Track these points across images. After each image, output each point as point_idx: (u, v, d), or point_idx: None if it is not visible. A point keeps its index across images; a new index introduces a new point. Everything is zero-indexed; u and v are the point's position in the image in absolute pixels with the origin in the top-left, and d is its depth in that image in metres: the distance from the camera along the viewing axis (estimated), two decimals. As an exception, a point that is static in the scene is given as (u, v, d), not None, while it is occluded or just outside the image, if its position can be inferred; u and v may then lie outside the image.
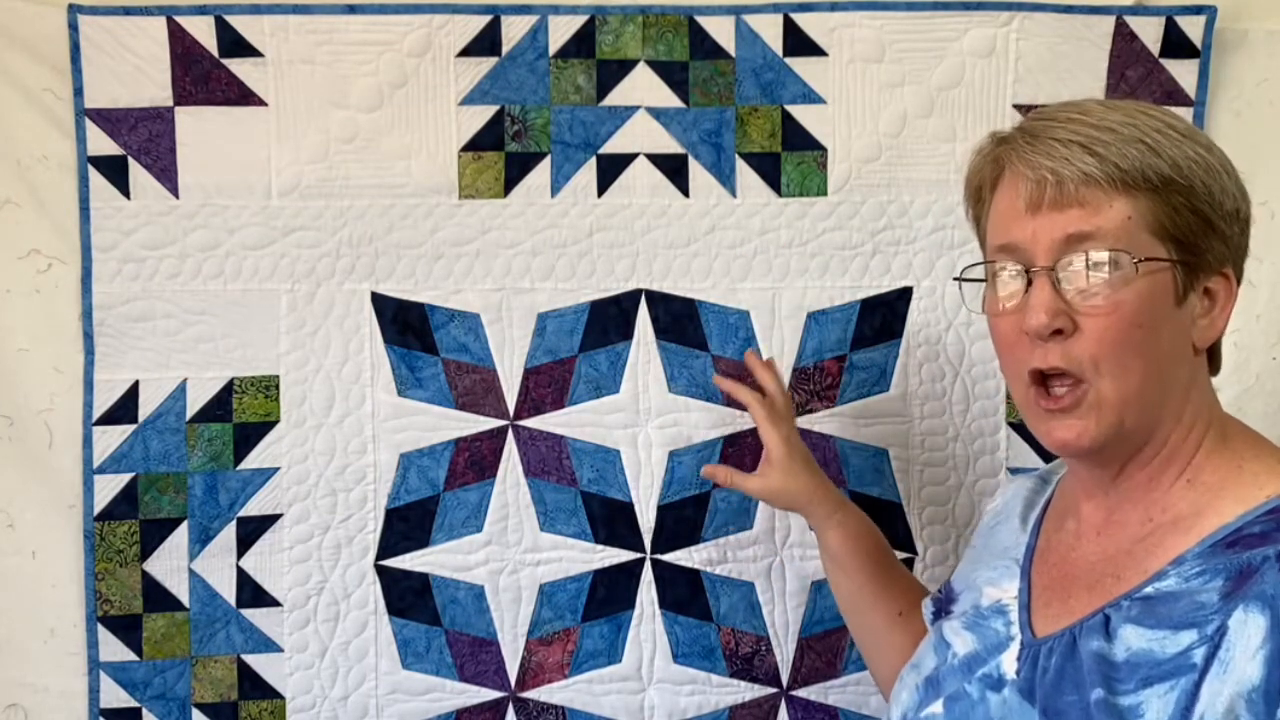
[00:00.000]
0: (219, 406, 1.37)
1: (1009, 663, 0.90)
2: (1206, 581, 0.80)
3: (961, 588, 1.04)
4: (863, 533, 1.21)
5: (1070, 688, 0.83)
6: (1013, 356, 0.89)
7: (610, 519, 1.40)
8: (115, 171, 1.34)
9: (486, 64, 1.37)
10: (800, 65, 1.38)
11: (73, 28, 1.32)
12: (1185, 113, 1.39)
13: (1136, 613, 0.82)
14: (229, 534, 1.38)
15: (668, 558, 1.41)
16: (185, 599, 1.37)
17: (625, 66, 1.38)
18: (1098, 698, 0.80)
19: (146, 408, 1.36)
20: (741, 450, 1.41)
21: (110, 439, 1.36)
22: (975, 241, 0.99)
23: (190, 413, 1.37)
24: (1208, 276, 0.86)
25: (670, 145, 1.39)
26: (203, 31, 1.34)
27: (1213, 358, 0.91)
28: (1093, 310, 0.84)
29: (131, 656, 1.37)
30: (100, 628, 1.36)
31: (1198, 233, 0.84)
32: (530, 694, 1.41)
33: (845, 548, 1.20)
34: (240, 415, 1.37)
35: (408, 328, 1.39)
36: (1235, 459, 0.86)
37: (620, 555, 1.41)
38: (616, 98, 1.38)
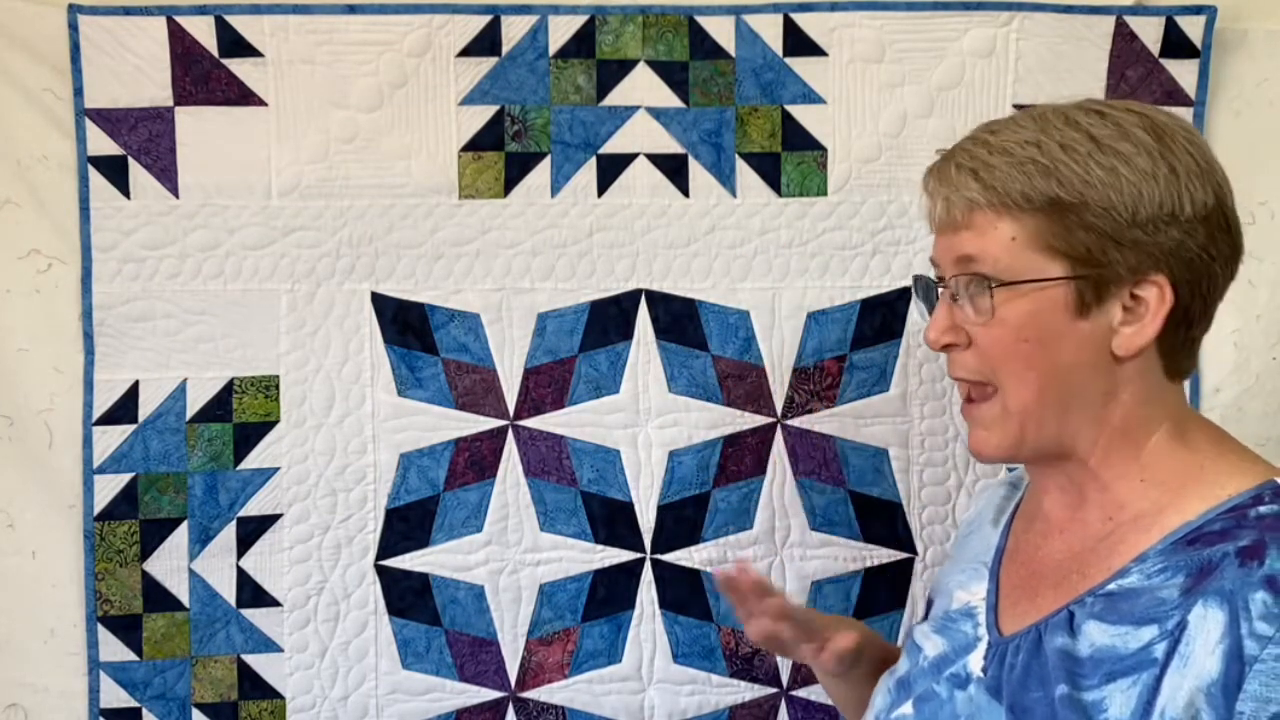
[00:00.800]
0: (219, 406, 1.37)
1: (975, 661, 0.91)
2: (1168, 578, 0.81)
3: (935, 595, 1.05)
4: (875, 637, 1.12)
5: (1036, 684, 0.84)
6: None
7: (610, 519, 1.40)
8: (115, 171, 1.34)
9: (486, 64, 1.37)
10: (800, 65, 1.38)
11: (73, 28, 1.32)
12: (1185, 113, 1.39)
13: (1100, 609, 0.83)
14: (229, 534, 1.38)
15: (668, 558, 1.41)
16: (185, 599, 1.37)
17: (625, 66, 1.38)
18: (1062, 693, 0.81)
19: (146, 408, 1.36)
20: (742, 450, 1.41)
21: (110, 439, 1.36)
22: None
23: (190, 413, 1.37)
24: (1124, 286, 0.84)
25: (670, 145, 1.39)
26: (203, 31, 1.34)
27: (1176, 361, 0.88)
28: (977, 326, 0.88)
29: (131, 656, 1.37)
30: (100, 628, 1.36)
31: (1094, 247, 0.83)
32: (530, 694, 1.41)
33: (875, 648, 1.11)
34: (240, 415, 1.37)
35: (408, 328, 1.39)
36: (1196, 458, 0.87)
37: (620, 555, 1.41)
38: (616, 98, 1.38)
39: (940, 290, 0.91)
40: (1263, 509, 0.81)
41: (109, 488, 1.36)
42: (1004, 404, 0.88)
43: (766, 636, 1.05)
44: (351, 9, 1.35)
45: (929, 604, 1.06)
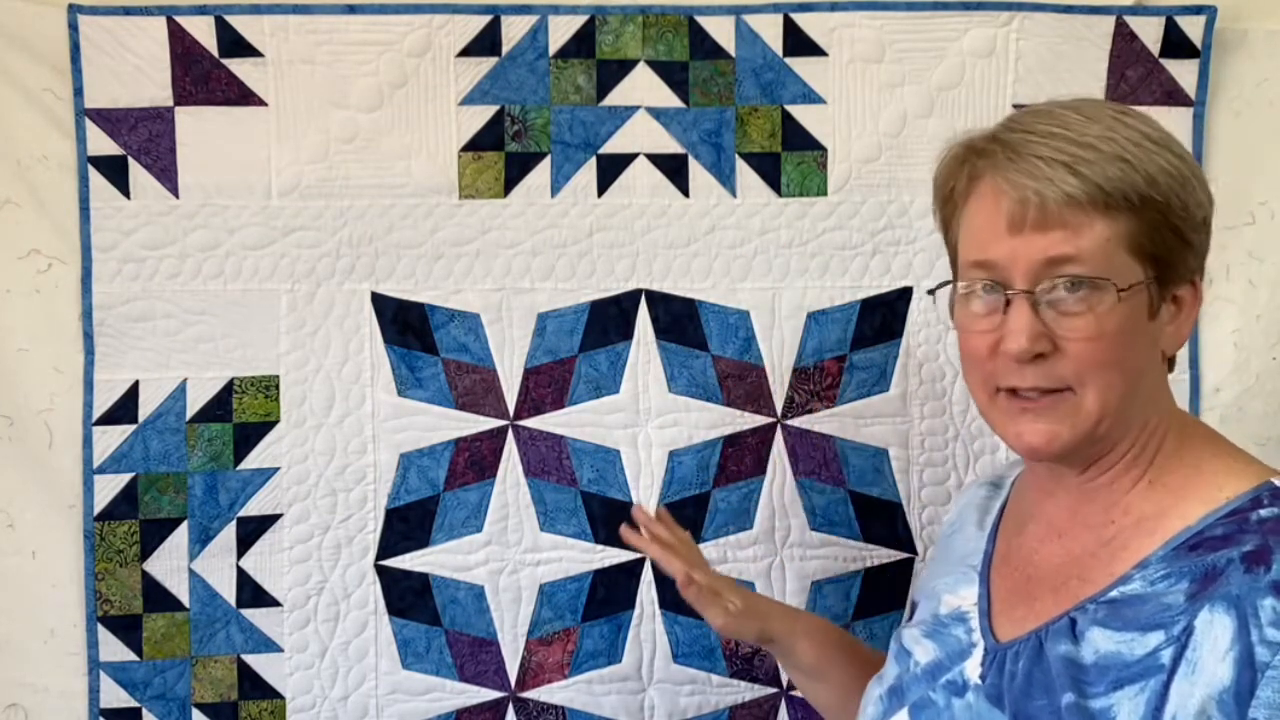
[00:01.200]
0: (219, 406, 1.37)
1: (973, 668, 0.90)
2: (1172, 585, 0.80)
3: (920, 598, 1.04)
4: (829, 635, 1.17)
5: (1040, 692, 0.83)
6: (983, 370, 0.88)
7: (610, 519, 1.40)
8: (115, 171, 1.34)
9: (486, 64, 1.37)
10: (800, 65, 1.38)
11: (73, 28, 1.32)
12: (1185, 113, 1.39)
13: (1103, 616, 0.83)
14: (229, 534, 1.38)
15: (668, 558, 1.41)
16: (185, 599, 1.37)
17: (625, 66, 1.38)
18: (1069, 701, 0.81)
19: (146, 408, 1.36)
20: (742, 450, 1.41)
21: (110, 439, 1.36)
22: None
23: (190, 413, 1.37)
24: (1177, 286, 0.86)
25: (670, 145, 1.39)
26: (203, 31, 1.34)
27: (1171, 359, 0.91)
28: (1075, 334, 0.83)
29: (131, 656, 1.37)
30: (100, 628, 1.36)
31: (1172, 248, 0.84)
32: (530, 694, 1.41)
33: (820, 655, 1.14)
34: (240, 415, 1.37)
35: (408, 328, 1.39)
36: (1194, 459, 0.87)
37: (620, 555, 1.41)
38: (616, 98, 1.38)
39: (1015, 295, 0.84)
40: (1263, 512, 0.80)
41: (109, 488, 1.36)
42: (1082, 405, 0.84)
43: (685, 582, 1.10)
44: (351, 9, 1.35)
45: (913, 606, 1.06)
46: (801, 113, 1.39)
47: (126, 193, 1.35)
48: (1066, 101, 0.88)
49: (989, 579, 0.96)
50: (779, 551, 1.41)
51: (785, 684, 1.42)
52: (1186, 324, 0.87)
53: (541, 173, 1.38)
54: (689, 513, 1.40)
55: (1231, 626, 0.75)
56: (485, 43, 1.36)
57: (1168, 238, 0.83)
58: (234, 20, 1.34)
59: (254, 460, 1.38)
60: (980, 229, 0.87)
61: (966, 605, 0.95)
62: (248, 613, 1.38)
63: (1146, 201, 0.82)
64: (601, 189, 1.39)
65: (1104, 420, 0.84)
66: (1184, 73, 1.39)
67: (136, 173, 1.35)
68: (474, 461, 1.40)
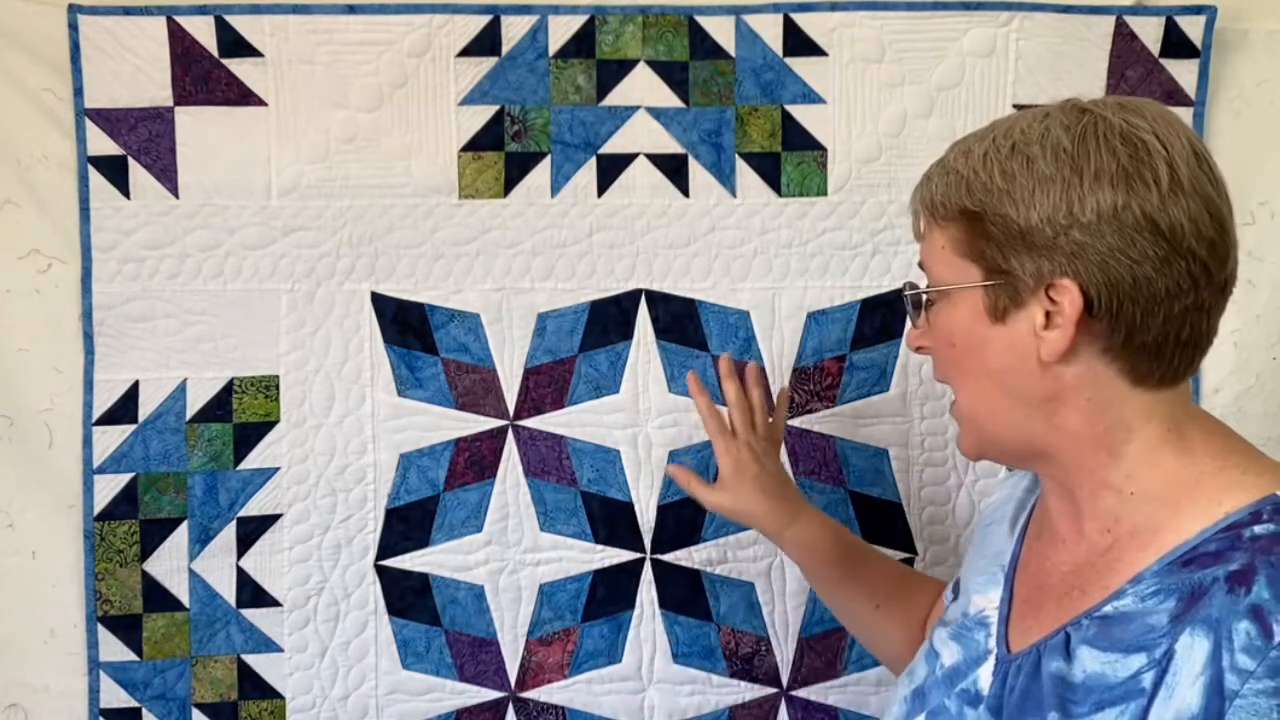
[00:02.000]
0: (219, 406, 1.37)
1: (985, 678, 0.90)
2: (1160, 601, 0.79)
3: (963, 587, 1.04)
4: (819, 542, 1.20)
5: (1033, 708, 0.83)
6: None
7: (610, 519, 1.40)
8: (115, 171, 1.34)
9: (486, 64, 1.37)
10: (800, 65, 1.38)
11: (73, 28, 1.32)
12: (1185, 113, 1.39)
13: (1093, 633, 0.82)
14: (229, 534, 1.38)
15: (668, 558, 1.41)
16: (185, 599, 1.37)
17: (625, 66, 1.38)
18: None
19: (146, 408, 1.36)
20: (741, 450, 1.41)
21: (110, 439, 1.36)
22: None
23: (190, 413, 1.37)
24: (1035, 291, 0.82)
25: (670, 145, 1.39)
26: (203, 31, 1.34)
27: (1136, 366, 0.83)
28: (929, 332, 0.93)
29: (131, 656, 1.37)
30: (100, 628, 1.36)
31: (997, 255, 0.84)
32: (530, 694, 1.41)
33: (804, 559, 1.21)
34: (240, 415, 1.37)
35: (408, 328, 1.39)
36: (1193, 470, 0.83)
37: (620, 555, 1.41)
38: (616, 98, 1.38)
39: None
40: (1258, 529, 0.78)
41: (109, 488, 1.36)
42: (960, 410, 0.91)
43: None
44: (351, 9, 1.35)
45: (956, 587, 1.06)
46: (801, 113, 1.39)
47: (126, 193, 1.35)
48: (1033, 108, 0.90)
49: (1012, 583, 0.95)
50: (779, 551, 1.41)
51: (785, 684, 1.42)
52: (1066, 328, 0.81)
53: (541, 173, 1.38)
54: (689, 513, 1.41)
55: (1207, 650, 0.74)
56: (485, 43, 1.36)
57: (987, 245, 0.84)
58: (234, 20, 1.34)
59: (254, 460, 1.38)
60: None
61: (990, 609, 0.95)
62: (248, 613, 1.38)
63: (962, 210, 0.86)
64: (601, 189, 1.39)
65: (976, 421, 0.90)
66: (1184, 73, 1.39)
67: (136, 173, 1.35)
68: (474, 461, 1.40)
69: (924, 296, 0.93)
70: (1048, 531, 0.94)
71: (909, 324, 0.97)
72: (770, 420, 1.27)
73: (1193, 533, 0.80)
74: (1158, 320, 0.81)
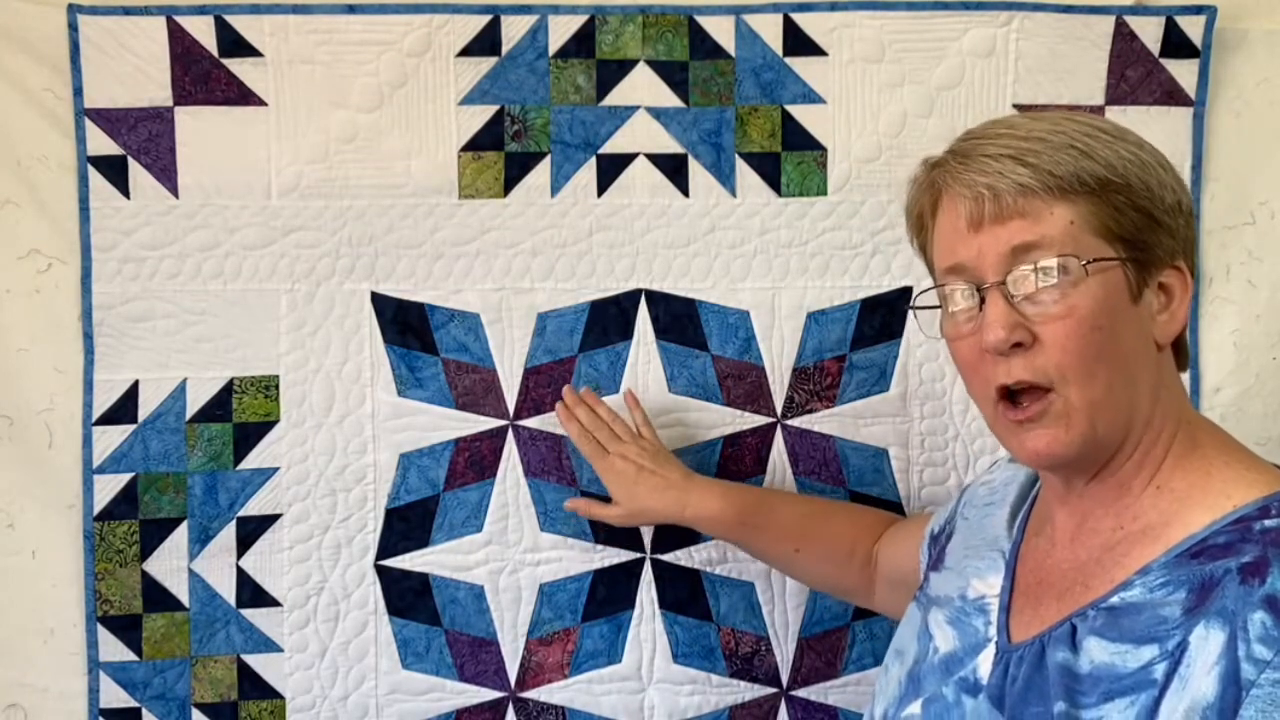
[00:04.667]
0: (219, 406, 1.37)
1: (985, 667, 0.90)
2: (1170, 593, 0.79)
3: (954, 561, 1.03)
4: (715, 513, 1.27)
5: (1036, 698, 0.83)
6: (978, 376, 0.88)
7: (610, 519, 1.40)
8: (115, 171, 1.34)
9: (486, 64, 1.37)
10: (800, 65, 1.38)
11: (73, 28, 1.32)
12: (1185, 113, 1.39)
13: (1101, 624, 0.82)
14: (229, 534, 1.38)
15: (667, 558, 1.41)
16: (185, 599, 1.37)
17: (625, 66, 1.38)
18: (1060, 710, 0.80)
19: (146, 408, 1.36)
20: (742, 450, 1.41)
21: (110, 439, 1.36)
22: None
23: (190, 413, 1.37)
24: (1160, 271, 0.85)
25: (670, 145, 1.39)
26: (203, 31, 1.34)
27: (1179, 354, 0.90)
28: (1048, 318, 0.83)
29: (131, 656, 1.37)
30: (100, 628, 1.36)
31: (1143, 229, 0.83)
32: (530, 694, 1.41)
33: (712, 530, 1.31)
34: (240, 415, 1.37)
35: (408, 328, 1.39)
36: (1204, 465, 0.85)
37: (620, 555, 1.41)
38: (616, 98, 1.38)
39: (988, 289, 0.85)
40: (1269, 522, 0.79)
41: (109, 488, 1.36)
42: (1068, 401, 0.84)
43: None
44: (351, 9, 1.35)
45: (944, 533, 1.07)
46: (801, 113, 1.39)
47: (126, 193, 1.35)
48: (1018, 114, 0.92)
49: (1014, 573, 0.95)
50: (779, 551, 1.41)
51: (785, 684, 1.42)
52: (1180, 311, 0.85)
53: (541, 173, 1.38)
54: (689, 513, 1.41)
55: (1222, 640, 0.74)
56: (485, 43, 1.36)
57: (1135, 218, 0.83)
58: (234, 20, 1.34)
59: (254, 460, 1.38)
60: (946, 235, 0.89)
61: (990, 596, 0.95)
62: (247, 613, 1.38)
63: (1105, 184, 0.83)
64: (601, 189, 1.39)
65: (1097, 413, 0.83)
66: (1184, 73, 1.39)
67: (136, 173, 1.35)
68: (474, 461, 1.40)
69: (1066, 269, 0.82)
70: (1049, 530, 0.94)
71: (1001, 312, 0.84)
72: (634, 426, 1.35)
73: (1201, 526, 0.81)
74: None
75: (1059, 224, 0.83)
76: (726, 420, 1.41)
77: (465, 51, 1.36)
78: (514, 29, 1.36)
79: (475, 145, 1.37)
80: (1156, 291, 0.85)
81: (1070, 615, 0.85)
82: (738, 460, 1.40)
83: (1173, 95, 1.39)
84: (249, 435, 1.37)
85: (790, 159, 1.39)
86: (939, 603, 1.01)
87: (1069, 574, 0.89)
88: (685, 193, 1.39)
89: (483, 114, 1.37)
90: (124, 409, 1.36)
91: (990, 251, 0.85)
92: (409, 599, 1.39)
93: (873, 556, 1.26)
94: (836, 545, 1.26)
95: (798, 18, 1.38)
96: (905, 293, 1.41)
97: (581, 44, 1.37)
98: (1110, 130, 0.85)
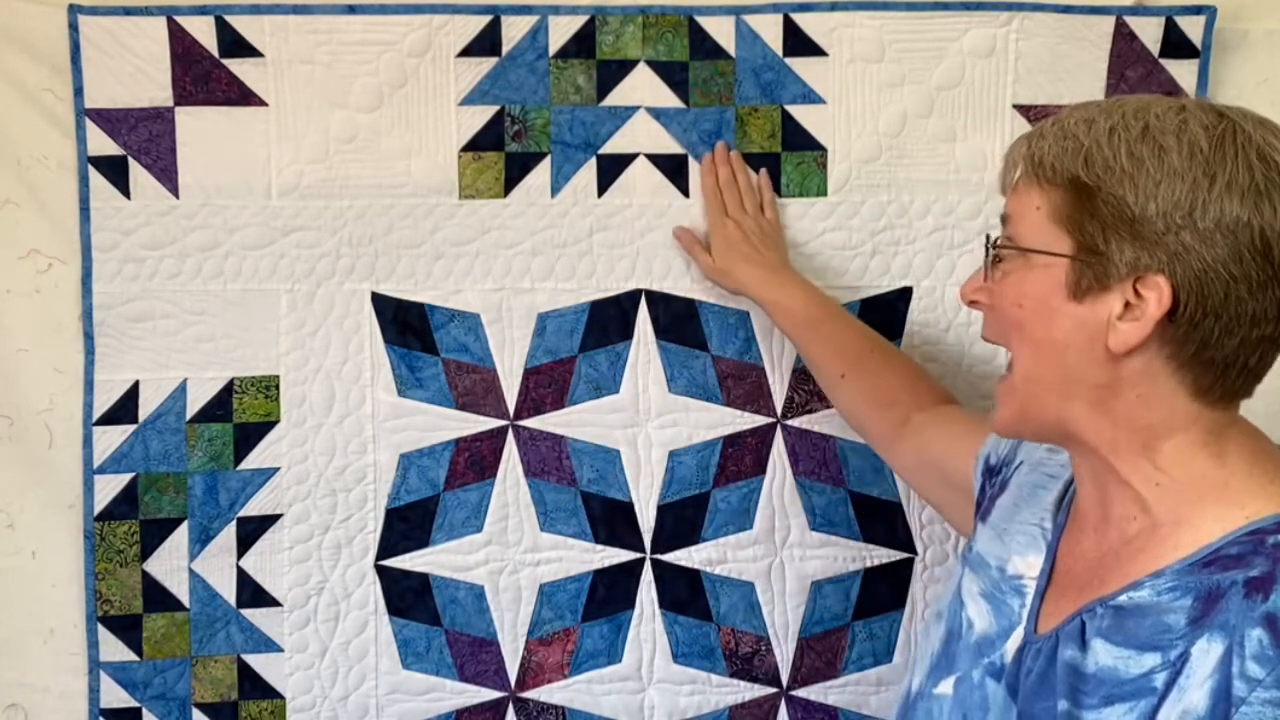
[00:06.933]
0: (219, 406, 1.37)
1: (1011, 652, 0.90)
2: (1176, 598, 0.79)
3: (1000, 519, 1.01)
4: (794, 307, 1.31)
5: (1046, 694, 0.84)
6: None
7: (610, 519, 1.40)
8: (115, 171, 1.34)
9: (486, 64, 1.37)
10: (800, 65, 1.38)
11: (73, 28, 1.32)
12: (1185, 113, 1.39)
13: (1107, 625, 0.82)
14: (229, 534, 1.38)
15: (668, 558, 1.41)
16: (185, 599, 1.37)
17: (625, 66, 1.38)
18: (1063, 709, 0.81)
19: (146, 408, 1.36)
20: (741, 450, 1.41)
21: (110, 439, 1.36)
22: (975, 241, 1.00)
23: (190, 413, 1.37)
24: (1124, 279, 0.82)
25: (670, 145, 1.39)
26: (203, 31, 1.33)
27: (1197, 378, 0.83)
28: (995, 288, 0.90)
29: (131, 656, 1.37)
30: (100, 628, 1.36)
31: (1098, 234, 0.82)
32: (530, 694, 1.41)
33: (782, 322, 1.33)
34: (240, 415, 1.37)
35: (408, 328, 1.39)
36: (1223, 474, 0.84)
37: (620, 555, 1.41)
38: (616, 98, 1.38)
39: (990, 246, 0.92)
40: None
41: (109, 488, 1.36)
42: (1012, 378, 0.89)
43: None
44: (351, 9, 1.35)
45: (1004, 461, 1.07)
46: (801, 113, 1.39)
47: (126, 193, 1.35)
48: (1157, 96, 0.88)
49: (1055, 556, 0.94)
50: (779, 552, 1.42)
51: (785, 684, 1.42)
52: (1143, 324, 0.81)
53: (541, 173, 1.38)
54: (689, 513, 1.41)
55: (1220, 653, 0.74)
56: (485, 43, 1.36)
57: (1092, 223, 0.82)
58: (234, 20, 1.34)
59: (254, 460, 1.38)
60: None
61: (1028, 577, 0.94)
62: (248, 613, 1.38)
63: (1074, 182, 0.83)
64: (601, 189, 1.39)
65: (1028, 391, 0.88)
66: (1184, 73, 1.39)
67: (136, 173, 1.35)
68: (474, 461, 1.40)
69: (1011, 245, 0.88)
70: (1079, 517, 0.93)
71: (975, 272, 0.93)
72: (763, 212, 1.38)
73: (1215, 534, 0.81)
74: (1233, 341, 0.81)
75: (1029, 205, 0.87)
76: (726, 420, 1.41)
77: (465, 52, 1.36)
78: (514, 29, 1.36)
79: (475, 145, 1.38)
80: (1129, 299, 0.82)
81: (1081, 610, 0.85)
82: (738, 460, 1.41)
83: (1172, 96, 1.39)
84: (249, 435, 1.37)
85: (790, 159, 1.39)
86: (976, 566, 0.99)
87: (1092, 565, 0.88)
88: (685, 193, 1.39)
89: (483, 114, 1.37)
90: (124, 409, 1.36)
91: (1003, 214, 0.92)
92: (409, 599, 1.39)
93: (911, 420, 1.24)
94: (880, 391, 1.27)
95: (798, 18, 1.38)
96: (905, 293, 1.41)
97: (582, 44, 1.37)
98: (1154, 128, 0.82)
